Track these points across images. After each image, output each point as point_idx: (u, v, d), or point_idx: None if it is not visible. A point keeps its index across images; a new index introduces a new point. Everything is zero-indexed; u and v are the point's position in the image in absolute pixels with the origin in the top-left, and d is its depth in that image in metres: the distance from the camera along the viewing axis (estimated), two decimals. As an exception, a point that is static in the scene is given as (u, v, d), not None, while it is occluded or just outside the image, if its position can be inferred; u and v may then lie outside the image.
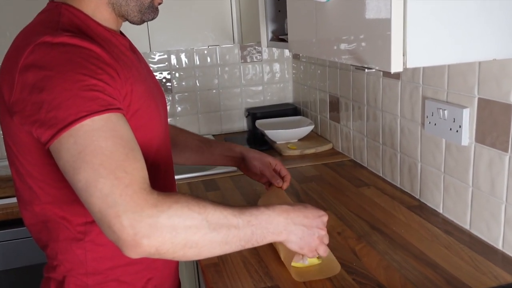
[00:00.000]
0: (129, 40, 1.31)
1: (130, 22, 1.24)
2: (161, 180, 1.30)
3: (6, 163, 2.42)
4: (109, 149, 0.96)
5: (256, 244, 1.11)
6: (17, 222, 2.05)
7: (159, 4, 1.25)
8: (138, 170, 0.98)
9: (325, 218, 1.26)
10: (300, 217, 1.20)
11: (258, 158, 1.67)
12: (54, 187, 1.14)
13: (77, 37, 1.05)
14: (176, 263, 1.40)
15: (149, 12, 1.22)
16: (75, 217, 1.16)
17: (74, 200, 1.11)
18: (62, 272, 1.21)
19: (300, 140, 2.58)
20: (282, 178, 1.64)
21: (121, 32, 1.29)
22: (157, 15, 1.25)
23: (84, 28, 1.13)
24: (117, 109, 1.01)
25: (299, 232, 1.19)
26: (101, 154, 0.95)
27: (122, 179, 0.95)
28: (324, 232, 1.24)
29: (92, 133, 0.96)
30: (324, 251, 1.25)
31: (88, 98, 0.98)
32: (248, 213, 1.09)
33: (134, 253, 0.97)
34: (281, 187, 1.60)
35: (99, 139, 0.96)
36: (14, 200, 2.06)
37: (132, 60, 1.21)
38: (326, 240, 1.26)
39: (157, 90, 1.34)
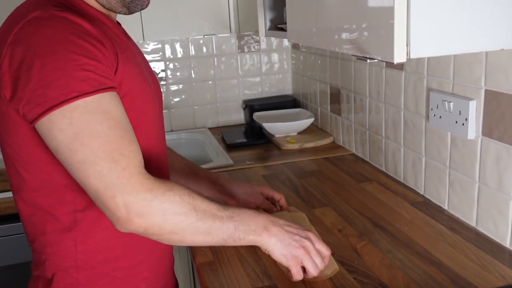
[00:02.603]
0: (124, 30, 1.32)
1: (120, 14, 1.25)
2: (154, 164, 1.27)
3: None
4: (105, 132, 1.03)
5: (237, 241, 1.17)
6: (5, 219, 2.05)
7: None
8: (135, 153, 1.06)
9: (310, 234, 1.26)
10: (281, 221, 1.25)
11: (250, 194, 1.65)
12: (42, 171, 1.15)
13: (67, 12, 1.07)
14: (172, 261, 1.40)
15: (135, 5, 1.22)
16: (63, 205, 1.17)
17: (62, 186, 1.14)
18: (51, 267, 1.21)
19: (299, 133, 2.58)
20: (278, 201, 1.66)
21: (118, 22, 1.30)
22: (146, 4, 1.24)
23: (76, 6, 1.14)
24: (109, 88, 1.05)
25: (279, 234, 1.22)
26: (98, 137, 1.02)
27: (119, 162, 1.03)
28: (308, 243, 1.23)
29: (88, 115, 1.01)
30: (312, 267, 1.23)
31: (80, 79, 1.01)
32: (231, 209, 1.18)
33: (124, 229, 1.06)
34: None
35: (94, 122, 1.02)
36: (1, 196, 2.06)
37: (126, 44, 1.23)
38: (318, 262, 1.24)
39: (152, 78, 1.34)
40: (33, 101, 1.01)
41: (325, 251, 1.26)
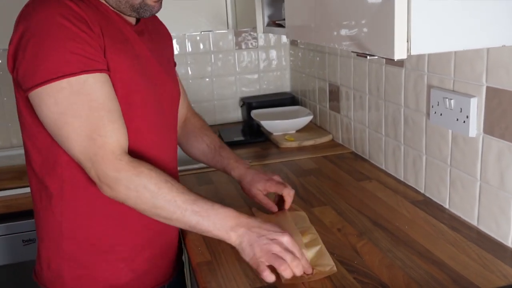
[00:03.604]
0: (142, 27, 1.42)
1: (131, 17, 1.35)
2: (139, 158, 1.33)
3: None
4: (86, 113, 1.18)
5: (205, 233, 1.28)
6: (-1, 219, 2.06)
7: (156, 1, 1.32)
8: (112, 133, 1.21)
9: (283, 236, 1.26)
10: (254, 223, 1.28)
11: (254, 186, 1.64)
12: (37, 140, 1.31)
13: None
14: (160, 251, 1.47)
15: (144, 10, 1.32)
16: (53, 177, 1.32)
17: (52, 159, 1.30)
18: (42, 232, 1.40)
19: (298, 131, 2.58)
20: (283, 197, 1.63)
21: (147, 21, 1.44)
22: (156, 10, 1.34)
23: None
24: (95, 70, 1.19)
25: (246, 236, 1.26)
26: (79, 117, 1.18)
27: (96, 141, 1.19)
28: (273, 246, 1.24)
29: (72, 97, 1.17)
30: (281, 267, 1.23)
31: (66, 60, 1.16)
32: (202, 204, 1.26)
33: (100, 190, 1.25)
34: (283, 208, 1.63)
35: (77, 103, 1.18)
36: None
37: (125, 37, 1.32)
38: (289, 261, 1.24)
39: (161, 75, 1.42)
40: (26, 75, 1.18)
41: (297, 253, 1.25)
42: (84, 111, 1.18)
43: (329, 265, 1.30)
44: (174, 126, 1.51)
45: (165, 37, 1.56)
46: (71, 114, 1.18)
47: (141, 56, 1.34)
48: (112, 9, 1.32)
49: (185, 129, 1.71)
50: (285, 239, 1.25)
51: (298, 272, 1.24)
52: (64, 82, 1.16)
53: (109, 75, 1.24)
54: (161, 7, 1.35)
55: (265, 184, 1.62)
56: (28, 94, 1.19)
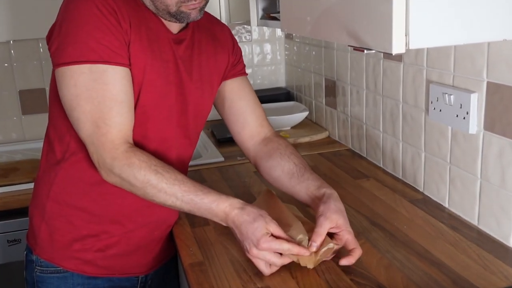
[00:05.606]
0: (198, 36, 1.53)
1: (171, 22, 1.43)
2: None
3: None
4: (98, 100, 1.30)
5: (198, 215, 1.36)
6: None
7: (193, 9, 1.37)
8: (117, 124, 1.32)
9: (253, 249, 1.27)
10: (237, 224, 1.30)
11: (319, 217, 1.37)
12: (55, 108, 1.45)
13: None
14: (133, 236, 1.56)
15: (181, 17, 1.38)
16: (60, 142, 1.46)
17: (64, 126, 1.42)
18: (35, 192, 1.56)
19: (293, 127, 2.58)
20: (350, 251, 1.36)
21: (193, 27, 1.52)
22: (193, 17, 1.39)
23: None
24: (116, 63, 1.30)
25: (233, 228, 1.32)
26: (91, 103, 1.30)
27: (101, 129, 1.31)
28: (249, 250, 1.28)
29: (90, 83, 1.29)
30: (263, 270, 1.30)
31: (91, 48, 1.28)
32: (190, 197, 1.32)
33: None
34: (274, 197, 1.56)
35: (93, 90, 1.29)
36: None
37: (158, 38, 1.41)
38: (263, 269, 1.30)
39: (186, 84, 1.49)
40: (56, 52, 1.32)
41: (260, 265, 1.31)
42: (97, 98, 1.30)
43: (328, 245, 1.31)
44: (191, 134, 1.58)
45: (218, 51, 1.59)
46: (85, 98, 1.30)
47: (166, 60, 1.43)
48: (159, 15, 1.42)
49: (264, 148, 1.63)
50: (252, 252, 1.28)
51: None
52: (86, 67, 1.28)
53: (130, 70, 1.34)
54: (200, 14, 1.39)
55: (345, 225, 1.36)
56: (55, 70, 1.33)
